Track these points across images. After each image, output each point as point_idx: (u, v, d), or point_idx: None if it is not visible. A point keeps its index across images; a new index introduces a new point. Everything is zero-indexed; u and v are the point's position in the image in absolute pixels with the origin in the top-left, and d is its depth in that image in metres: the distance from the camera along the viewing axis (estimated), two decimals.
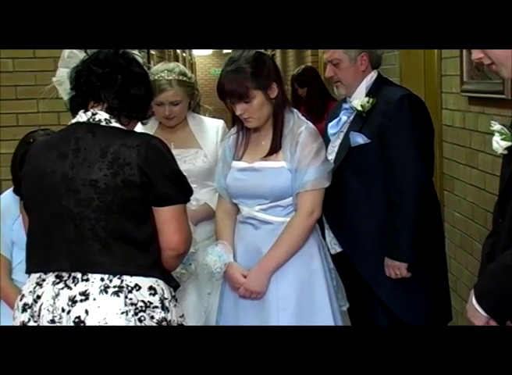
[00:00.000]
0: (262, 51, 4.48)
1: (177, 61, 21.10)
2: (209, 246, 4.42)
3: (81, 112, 3.66)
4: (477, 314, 3.17)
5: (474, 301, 3.17)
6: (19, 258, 3.96)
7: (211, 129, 4.95)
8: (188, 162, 4.48)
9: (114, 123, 3.62)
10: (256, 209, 4.35)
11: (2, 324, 3.78)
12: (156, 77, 4.42)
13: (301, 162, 4.25)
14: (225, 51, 28.95)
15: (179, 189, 3.64)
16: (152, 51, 15.09)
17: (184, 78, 4.85)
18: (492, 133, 3.39)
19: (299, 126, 4.33)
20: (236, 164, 4.41)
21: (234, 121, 4.44)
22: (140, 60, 3.80)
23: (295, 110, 4.46)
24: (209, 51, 32.62)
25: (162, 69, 4.78)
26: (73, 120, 3.70)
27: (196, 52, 31.23)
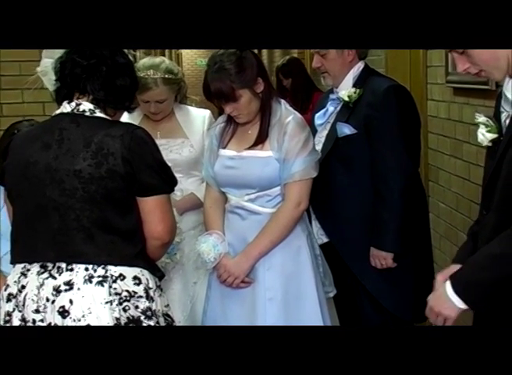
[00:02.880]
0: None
1: (163, 53, 21.26)
2: (200, 235, 4.44)
3: (65, 103, 3.66)
4: (451, 305, 3.15)
5: (450, 292, 3.14)
6: (5, 250, 3.93)
7: (197, 119, 4.96)
8: (174, 151, 4.47)
9: (98, 114, 3.63)
10: (244, 199, 4.36)
11: None
12: (142, 74, 4.39)
13: (289, 152, 4.26)
14: None
15: (163, 179, 3.64)
16: None
17: (170, 76, 4.84)
18: (475, 125, 3.39)
19: (286, 116, 4.33)
20: (224, 152, 4.42)
21: (221, 112, 4.45)
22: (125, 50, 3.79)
23: (282, 101, 4.47)
24: None
25: (148, 66, 4.75)
26: (57, 111, 3.70)
27: None
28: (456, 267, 3.27)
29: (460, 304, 3.12)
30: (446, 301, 3.15)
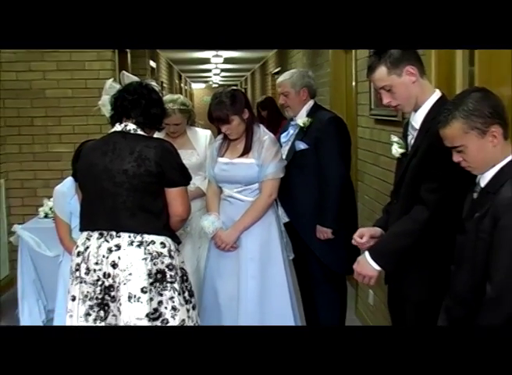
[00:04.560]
0: (237, 87, 4.56)
1: (180, 92, 21.20)
2: (203, 215, 4.45)
3: (117, 124, 3.69)
4: (369, 267, 3.17)
5: (369, 259, 3.17)
6: (75, 223, 3.94)
7: (202, 136, 4.95)
8: (186, 158, 4.45)
9: (139, 131, 3.65)
10: (234, 191, 4.37)
11: (67, 266, 3.73)
12: (165, 106, 4.39)
13: (265, 160, 4.29)
14: (213, 86, 29.21)
15: (182, 176, 3.67)
16: (164, 85, 15.09)
17: (184, 107, 4.85)
18: (390, 143, 3.40)
19: (263, 135, 4.37)
20: (221, 160, 4.42)
21: (219, 132, 4.44)
22: (157, 89, 3.82)
23: (261, 125, 4.50)
24: (202, 85, 33.22)
25: (169, 100, 4.74)
26: (112, 130, 3.72)
27: (194, 86, 31.84)
28: (373, 229, 3.37)
29: (376, 267, 3.15)
30: (367, 265, 3.17)
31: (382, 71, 3.12)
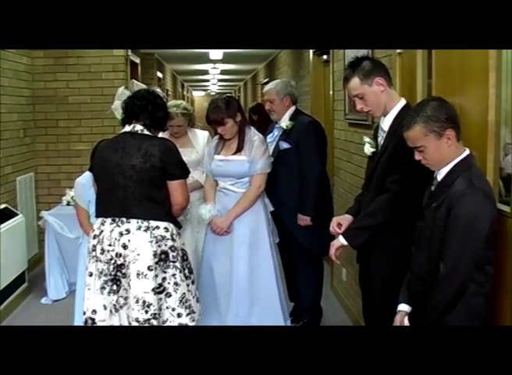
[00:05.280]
0: (231, 95, 4.54)
1: (183, 98, 21.16)
2: (201, 204, 4.41)
3: (127, 126, 3.65)
4: (337, 241, 3.27)
5: (342, 240, 3.25)
6: (92, 210, 3.92)
7: (200, 137, 4.89)
8: (186, 156, 4.41)
9: (146, 132, 3.61)
10: (228, 184, 4.34)
11: (86, 246, 3.71)
12: (169, 110, 4.36)
13: (255, 157, 4.25)
14: (211, 93, 29.16)
15: (182, 170, 3.63)
16: (169, 92, 15.05)
17: (185, 111, 4.79)
18: (362, 143, 3.41)
19: (254, 136, 4.33)
20: (217, 157, 4.38)
21: (215, 133, 4.40)
22: (162, 95, 3.79)
23: (252, 127, 4.45)
24: (202, 93, 33.16)
25: (173, 105, 4.69)
26: (122, 130, 3.68)
27: (194, 93, 31.93)
28: (345, 216, 3.40)
29: (343, 240, 3.24)
30: (336, 240, 3.28)
31: (355, 81, 3.14)
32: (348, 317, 5.28)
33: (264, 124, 7.89)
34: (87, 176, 4.30)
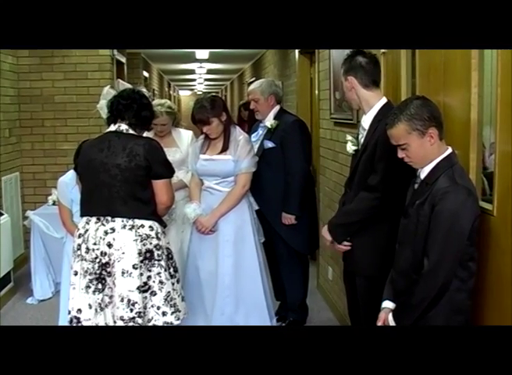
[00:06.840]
0: (216, 94, 4.55)
1: (169, 98, 21.10)
2: (186, 203, 4.39)
3: (112, 125, 3.63)
4: (326, 235, 3.34)
5: (324, 229, 3.36)
6: (75, 209, 3.91)
7: (184, 136, 4.89)
8: (171, 155, 4.39)
9: (131, 131, 3.60)
10: (213, 183, 4.33)
11: (70, 245, 3.70)
12: (154, 109, 4.35)
13: (240, 156, 4.25)
14: (198, 93, 29.07)
15: (167, 170, 3.62)
16: (155, 92, 15.02)
17: (169, 110, 4.79)
18: (346, 142, 3.43)
19: (239, 135, 4.32)
20: (202, 156, 4.36)
21: (201, 132, 4.38)
22: (147, 95, 3.78)
23: (237, 127, 4.44)
24: (188, 93, 33.00)
25: (157, 104, 4.68)
26: (107, 130, 3.66)
27: (181, 93, 31.90)
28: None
29: (328, 236, 3.33)
30: (325, 233, 3.37)
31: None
32: (334, 315, 5.29)
33: (255, 121, 7.93)
34: (70, 175, 4.29)
